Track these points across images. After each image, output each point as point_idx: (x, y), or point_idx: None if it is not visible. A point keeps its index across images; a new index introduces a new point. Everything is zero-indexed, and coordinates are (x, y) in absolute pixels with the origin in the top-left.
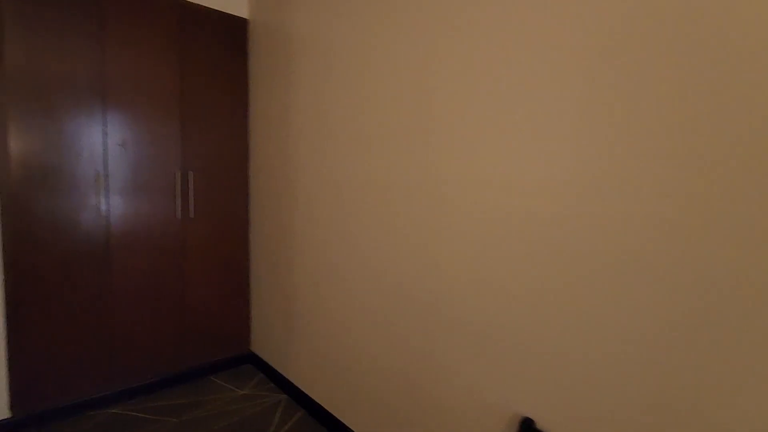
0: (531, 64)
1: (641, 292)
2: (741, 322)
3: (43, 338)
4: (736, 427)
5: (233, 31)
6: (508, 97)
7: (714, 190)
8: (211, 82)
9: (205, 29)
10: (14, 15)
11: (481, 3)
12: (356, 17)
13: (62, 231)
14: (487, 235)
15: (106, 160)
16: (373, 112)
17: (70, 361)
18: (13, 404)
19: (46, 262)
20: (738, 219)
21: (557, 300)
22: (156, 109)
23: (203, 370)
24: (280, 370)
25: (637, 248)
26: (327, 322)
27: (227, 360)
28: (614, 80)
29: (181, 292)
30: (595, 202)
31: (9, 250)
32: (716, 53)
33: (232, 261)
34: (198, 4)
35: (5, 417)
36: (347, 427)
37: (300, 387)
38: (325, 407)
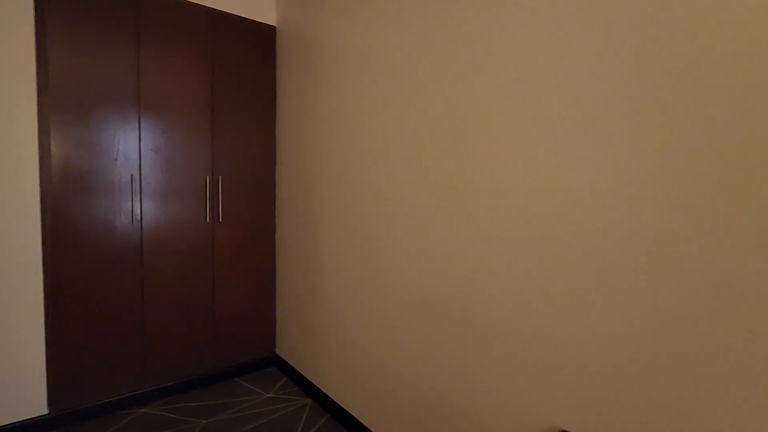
0: (572, 70)
1: (685, 305)
2: None
3: (81, 337)
4: None
5: (261, 39)
6: (552, 105)
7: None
8: (240, 88)
9: (235, 36)
10: (57, 20)
11: (524, 5)
12: (384, 22)
13: (99, 233)
14: (524, 246)
15: (140, 165)
16: (402, 118)
17: (106, 361)
18: (51, 401)
19: (84, 263)
20: None
21: (598, 309)
22: (188, 115)
23: (230, 373)
24: (305, 374)
25: (685, 258)
26: (355, 329)
27: (253, 362)
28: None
29: (211, 295)
30: (647, 210)
31: (50, 250)
32: None
33: (258, 265)
34: (228, 12)
35: (43, 413)
36: None
37: (326, 392)
38: (352, 413)
